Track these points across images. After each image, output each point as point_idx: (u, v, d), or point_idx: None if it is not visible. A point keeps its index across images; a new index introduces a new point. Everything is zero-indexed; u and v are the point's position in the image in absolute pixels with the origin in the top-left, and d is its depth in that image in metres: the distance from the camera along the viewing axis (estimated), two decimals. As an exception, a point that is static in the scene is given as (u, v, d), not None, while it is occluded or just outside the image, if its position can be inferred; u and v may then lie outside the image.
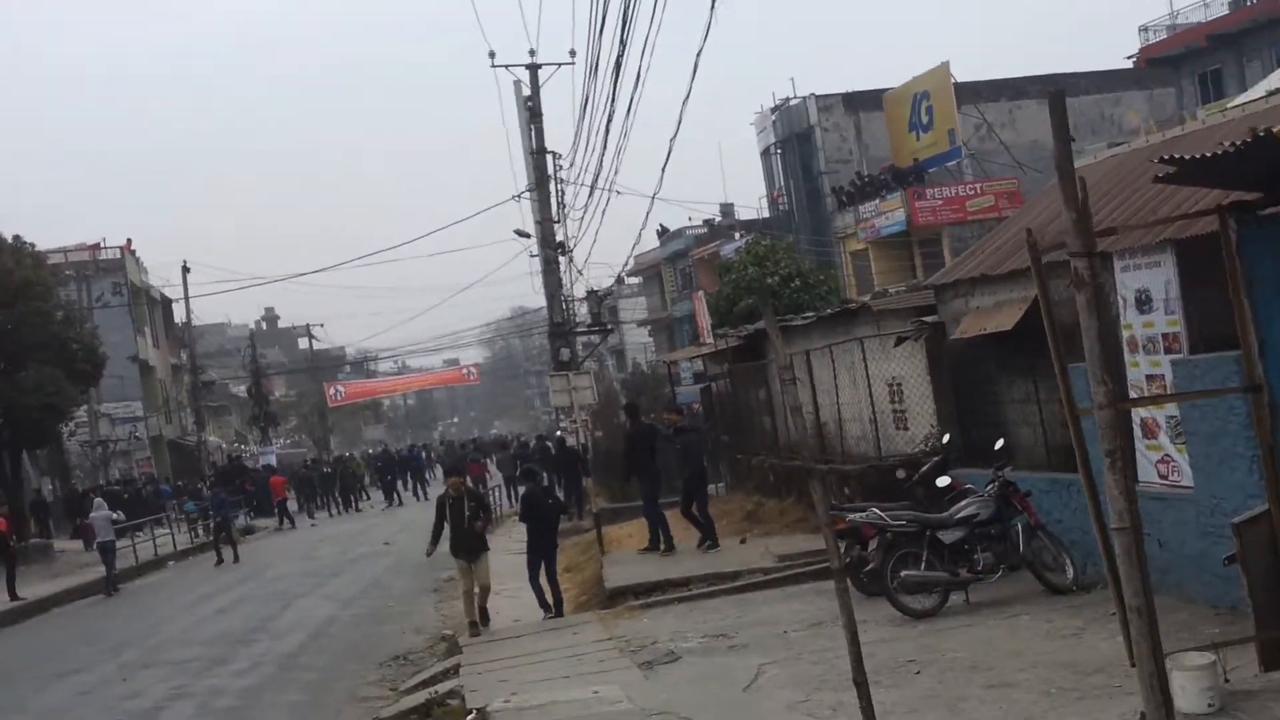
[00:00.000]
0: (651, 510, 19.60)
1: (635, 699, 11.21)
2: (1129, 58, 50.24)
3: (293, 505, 47.82)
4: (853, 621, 6.86)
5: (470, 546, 16.86)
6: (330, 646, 17.63)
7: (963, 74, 45.82)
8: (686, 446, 19.79)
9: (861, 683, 7.16)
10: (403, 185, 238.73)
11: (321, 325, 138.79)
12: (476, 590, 16.86)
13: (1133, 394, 12.28)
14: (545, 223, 33.43)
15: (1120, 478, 4.10)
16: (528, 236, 36.09)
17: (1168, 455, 11.82)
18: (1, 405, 33.89)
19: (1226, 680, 7.45)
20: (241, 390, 76.34)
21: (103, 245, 58.80)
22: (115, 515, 29.52)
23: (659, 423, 23.78)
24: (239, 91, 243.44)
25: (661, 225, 64.94)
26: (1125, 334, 12.43)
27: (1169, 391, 11.54)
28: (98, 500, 30.50)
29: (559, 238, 34.11)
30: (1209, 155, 7.76)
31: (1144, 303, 12.15)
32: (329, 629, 19.19)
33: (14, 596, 26.04)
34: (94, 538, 29.60)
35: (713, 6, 14.58)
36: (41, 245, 41.69)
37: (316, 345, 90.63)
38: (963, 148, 43.96)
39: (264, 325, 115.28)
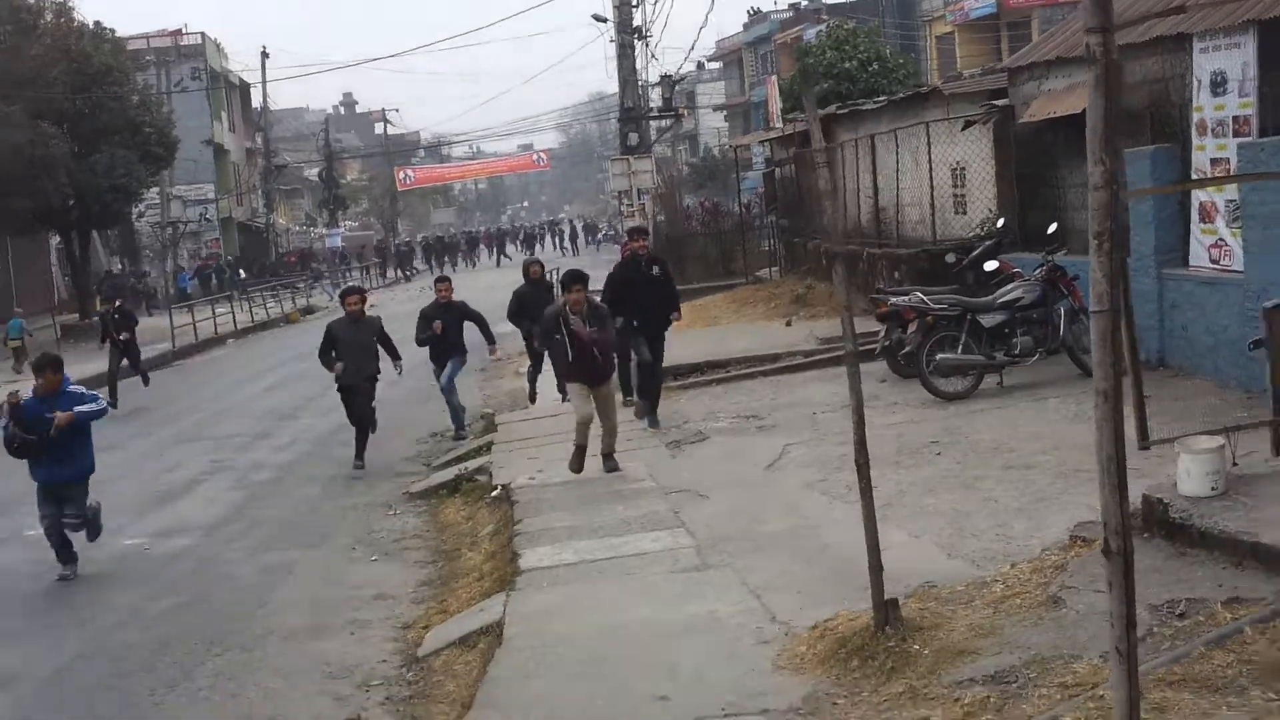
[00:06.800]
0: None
1: (657, 477, 11.24)
2: None
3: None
4: (860, 405, 6.67)
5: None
6: (372, 423, 17.61)
7: None
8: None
9: (863, 464, 6.94)
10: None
11: (397, 110, 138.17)
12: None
13: (1195, 176, 11.75)
14: (623, 6, 32.52)
15: (1105, 260, 3.73)
16: (605, 21, 35.23)
17: (1221, 240, 11.39)
18: (73, 186, 34.06)
19: (1235, 464, 7.16)
20: (314, 174, 76.25)
21: (184, 31, 58.58)
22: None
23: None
24: None
25: (755, 8, 63.46)
26: (1195, 116, 12.03)
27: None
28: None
29: (636, 22, 33.24)
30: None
31: (1219, 85, 11.67)
32: (372, 406, 19.17)
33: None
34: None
35: None
36: (123, 32, 41.71)
37: (392, 130, 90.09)
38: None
39: (341, 110, 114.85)
